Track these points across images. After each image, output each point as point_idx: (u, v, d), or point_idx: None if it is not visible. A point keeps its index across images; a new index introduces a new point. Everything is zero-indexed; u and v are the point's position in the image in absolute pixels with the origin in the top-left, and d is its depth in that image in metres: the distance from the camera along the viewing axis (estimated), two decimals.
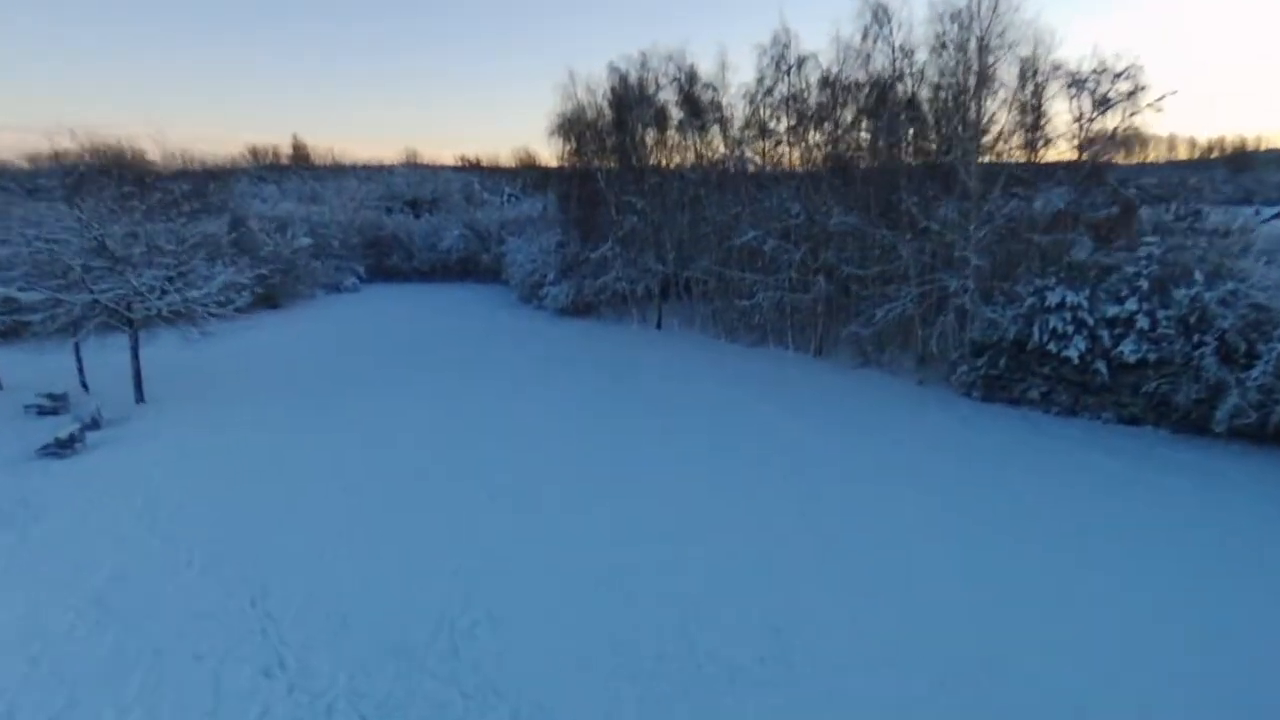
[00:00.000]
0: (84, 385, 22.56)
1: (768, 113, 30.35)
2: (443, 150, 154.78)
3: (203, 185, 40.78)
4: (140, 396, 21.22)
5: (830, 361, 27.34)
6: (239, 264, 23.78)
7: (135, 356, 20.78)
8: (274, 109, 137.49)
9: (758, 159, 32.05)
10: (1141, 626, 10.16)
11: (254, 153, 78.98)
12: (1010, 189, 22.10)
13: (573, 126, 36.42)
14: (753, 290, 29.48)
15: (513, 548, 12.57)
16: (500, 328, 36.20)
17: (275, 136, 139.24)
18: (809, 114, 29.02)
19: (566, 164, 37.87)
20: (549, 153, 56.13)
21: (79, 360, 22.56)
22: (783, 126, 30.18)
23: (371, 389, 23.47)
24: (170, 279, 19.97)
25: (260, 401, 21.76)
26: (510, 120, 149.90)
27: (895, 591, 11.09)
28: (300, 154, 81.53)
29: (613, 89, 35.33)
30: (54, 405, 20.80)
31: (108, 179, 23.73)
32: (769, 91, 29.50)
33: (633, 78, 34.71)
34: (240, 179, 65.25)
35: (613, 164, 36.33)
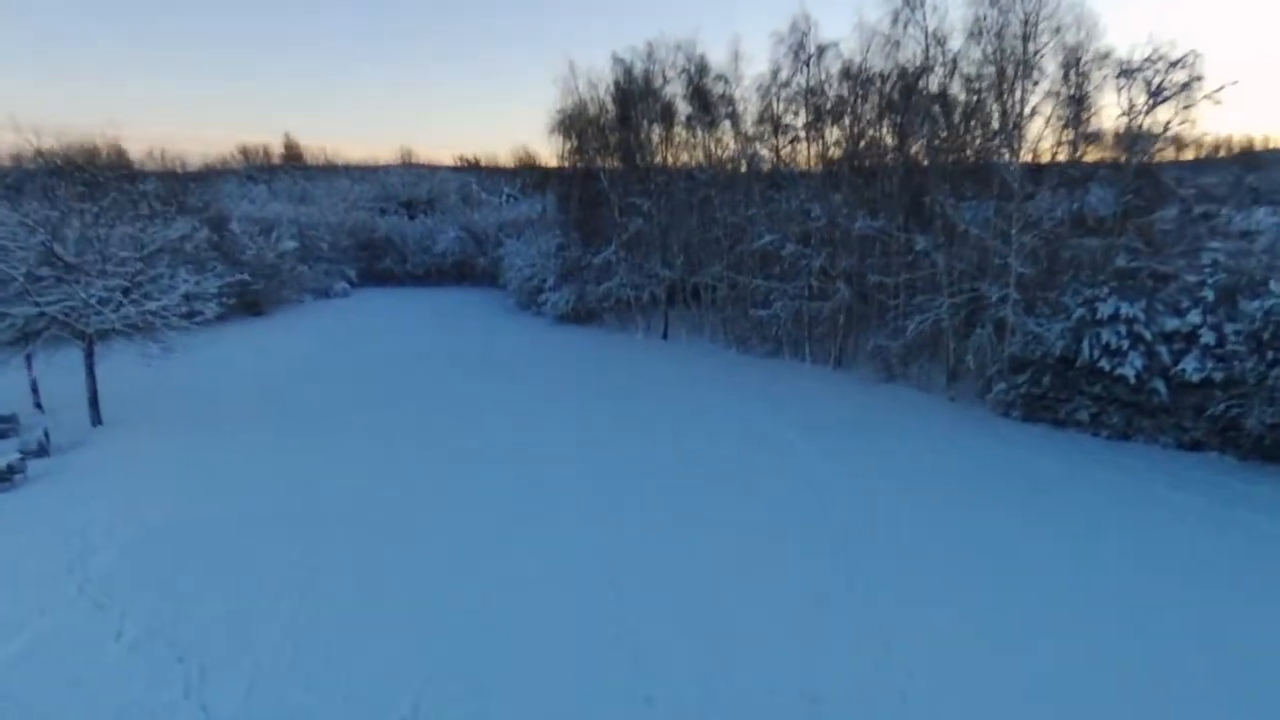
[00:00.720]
0: (38, 405, 20.58)
1: (783, 107, 28.40)
2: (440, 150, 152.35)
3: (180, 185, 38.69)
4: (97, 418, 19.24)
5: (851, 374, 25.43)
6: (211, 271, 21.70)
7: (90, 374, 18.82)
8: (270, 109, 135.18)
9: (771, 156, 30.04)
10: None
11: (244, 152, 76.83)
12: (1056, 189, 20.13)
13: (574, 123, 34.46)
14: (768, 298, 27.50)
15: (493, 615, 10.55)
16: (497, 328, 34.71)
17: (270, 136, 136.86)
18: (827, 108, 27.02)
19: (567, 163, 35.97)
20: (549, 151, 54.34)
21: (32, 378, 20.58)
22: (800, 122, 28.19)
23: (355, 410, 21.53)
24: (126, 289, 17.97)
25: (228, 426, 19.71)
26: (510, 118, 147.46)
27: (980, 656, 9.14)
28: (292, 153, 79.19)
29: (616, 82, 33.41)
30: (2, 428, 18.86)
31: (58, 179, 21.59)
32: (785, 84, 27.54)
33: (638, 70, 32.78)
34: (229, 179, 63.25)
35: (616, 163, 34.42)
